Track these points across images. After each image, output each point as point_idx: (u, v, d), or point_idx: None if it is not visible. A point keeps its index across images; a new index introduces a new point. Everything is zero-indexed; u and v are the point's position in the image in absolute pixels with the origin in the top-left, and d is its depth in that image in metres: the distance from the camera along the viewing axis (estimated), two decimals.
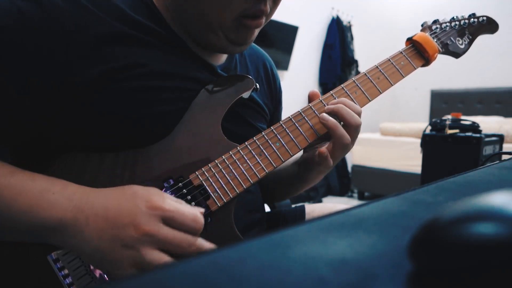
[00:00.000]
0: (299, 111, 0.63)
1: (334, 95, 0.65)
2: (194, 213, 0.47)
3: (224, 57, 0.70)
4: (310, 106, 0.63)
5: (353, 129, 0.61)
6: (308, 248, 0.21)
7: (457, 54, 0.77)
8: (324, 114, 0.61)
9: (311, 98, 0.65)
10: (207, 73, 0.63)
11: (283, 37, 3.48)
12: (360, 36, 4.27)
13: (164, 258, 0.45)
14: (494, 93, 4.10)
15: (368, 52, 4.31)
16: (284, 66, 3.58)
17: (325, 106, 0.63)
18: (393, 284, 0.18)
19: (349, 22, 4.19)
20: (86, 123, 0.53)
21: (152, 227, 0.44)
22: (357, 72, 4.10)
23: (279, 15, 3.41)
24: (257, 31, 0.62)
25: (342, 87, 0.66)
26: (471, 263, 0.17)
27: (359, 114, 0.62)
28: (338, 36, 4.00)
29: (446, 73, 4.25)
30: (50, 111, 0.52)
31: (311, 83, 4.01)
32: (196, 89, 0.60)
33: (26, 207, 0.46)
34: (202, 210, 0.49)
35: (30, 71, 0.50)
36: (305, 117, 0.62)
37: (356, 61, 4.11)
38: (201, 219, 0.47)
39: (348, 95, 0.65)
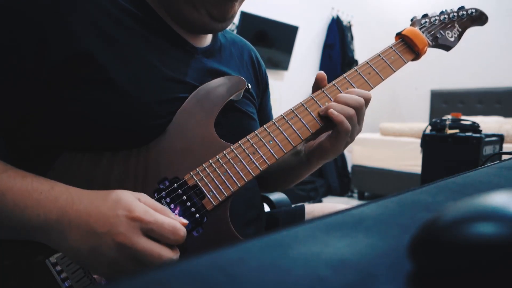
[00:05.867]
0: (291, 109, 0.63)
1: (325, 91, 0.65)
2: (174, 225, 0.46)
3: (207, 40, 0.70)
4: (302, 104, 0.64)
5: (357, 109, 0.62)
6: (308, 248, 0.21)
7: (447, 47, 0.77)
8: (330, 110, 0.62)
9: (319, 80, 0.66)
10: (188, 56, 0.63)
11: (283, 37, 3.47)
12: (360, 36, 4.26)
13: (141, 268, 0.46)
14: (494, 93, 4.10)
15: (368, 52, 4.29)
16: (284, 66, 3.58)
17: (316, 102, 0.64)
18: (393, 284, 0.18)
19: (349, 22, 4.19)
20: (80, 121, 0.53)
21: (130, 239, 0.44)
22: None
23: (279, 15, 3.42)
24: (238, 5, 0.63)
25: (334, 84, 0.66)
26: (471, 263, 0.17)
27: (356, 103, 0.62)
28: (338, 36, 4.00)
29: (446, 73, 4.25)
30: (45, 104, 0.53)
31: (311, 83, 3.99)
32: (177, 78, 0.60)
33: (13, 204, 0.47)
34: (185, 221, 0.49)
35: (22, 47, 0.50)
36: (298, 115, 0.63)
37: (356, 61, 4.11)
38: (181, 231, 0.47)
39: (340, 92, 0.66)
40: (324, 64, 4.00)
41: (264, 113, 0.83)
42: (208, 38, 0.71)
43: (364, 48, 4.31)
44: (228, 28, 0.79)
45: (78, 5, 0.53)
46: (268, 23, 3.33)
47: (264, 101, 0.83)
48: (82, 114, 0.53)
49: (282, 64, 3.56)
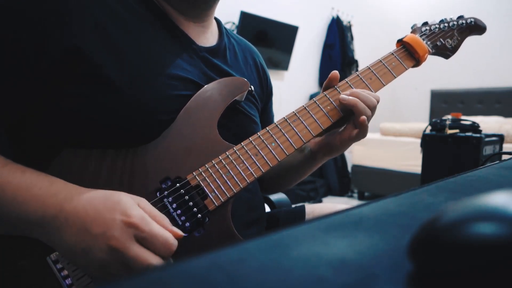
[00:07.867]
0: (293, 112, 0.64)
1: (327, 95, 0.67)
2: (166, 238, 0.46)
3: (213, 40, 0.71)
4: (305, 107, 0.65)
5: (372, 110, 0.65)
6: (308, 248, 0.21)
7: (446, 54, 0.79)
8: (342, 95, 0.65)
9: (331, 79, 0.67)
10: (192, 54, 0.64)
11: (283, 37, 3.47)
12: (360, 36, 4.26)
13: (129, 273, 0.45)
14: (494, 93, 4.09)
15: (368, 52, 4.30)
16: (284, 66, 3.58)
17: (318, 106, 0.65)
18: (393, 284, 0.18)
19: (349, 22, 4.19)
20: (80, 121, 0.53)
21: (122, 243, 0.44)
22: None
23: (279, 15, 3.42)
24: None
25: (335, 88, 0.67)
26: (471, 263, 0.17)
27: (369, 100, 0.65)
28: (338, 36, 4.00)
29: (446, 73, 4.25)
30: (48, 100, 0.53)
31: (311, 83, 4.01)
32: (178, 75, 0.60)
33: (11, 198, 0.47)
34: (181, 233, 0.48)
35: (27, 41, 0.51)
36: (300, 117, 0.64)
37: (356, 61, 4.11)
38: (172, 246, 0.46)
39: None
40: (324, 64, 4.00)
41: (266, 119, 0.83)
42: (213, 38, 0.71)
43: (364, 48, 4.31)
44: (228, 28, 0.79)
45: (81, 2, 0.54)
46: (268, 23, 3.32)
47: (267, 107, 0.84)
48: (81, 114, 0.53)
49: (282, 64, 3.55)
